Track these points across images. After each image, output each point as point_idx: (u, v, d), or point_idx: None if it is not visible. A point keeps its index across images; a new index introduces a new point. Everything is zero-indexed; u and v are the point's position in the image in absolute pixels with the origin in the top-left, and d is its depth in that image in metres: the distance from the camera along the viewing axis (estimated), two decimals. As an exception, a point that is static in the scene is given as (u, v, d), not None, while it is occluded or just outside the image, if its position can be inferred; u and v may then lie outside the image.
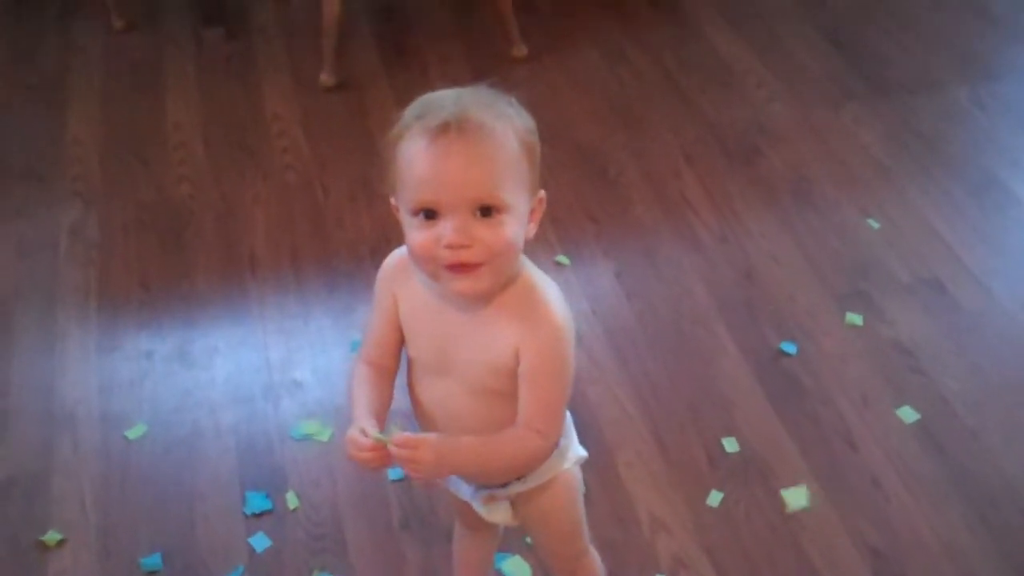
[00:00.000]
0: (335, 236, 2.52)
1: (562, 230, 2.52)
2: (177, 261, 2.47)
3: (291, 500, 1.98)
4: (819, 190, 2.62)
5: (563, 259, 2.44)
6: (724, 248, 2.48)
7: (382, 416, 1.36)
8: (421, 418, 1.42)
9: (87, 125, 2.87)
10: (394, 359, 1.40)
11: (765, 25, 3.21)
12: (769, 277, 2.40)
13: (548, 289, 1.31)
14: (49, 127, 2.87)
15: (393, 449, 1.25)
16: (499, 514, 1.48)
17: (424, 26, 3.23)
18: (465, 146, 1.18)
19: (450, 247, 1.20)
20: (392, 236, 2.49)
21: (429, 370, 1.38)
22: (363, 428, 1.30)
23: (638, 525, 1.92)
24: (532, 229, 1.27)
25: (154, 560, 1.89)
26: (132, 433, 2.10)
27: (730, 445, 2.05)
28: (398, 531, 1.93)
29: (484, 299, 1.28)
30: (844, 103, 2.90)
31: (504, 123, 1.20)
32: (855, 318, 2.29)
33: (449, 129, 1.17)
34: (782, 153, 2.74)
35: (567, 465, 1.44)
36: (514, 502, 1.46)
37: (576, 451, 1.46)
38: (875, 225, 2.51)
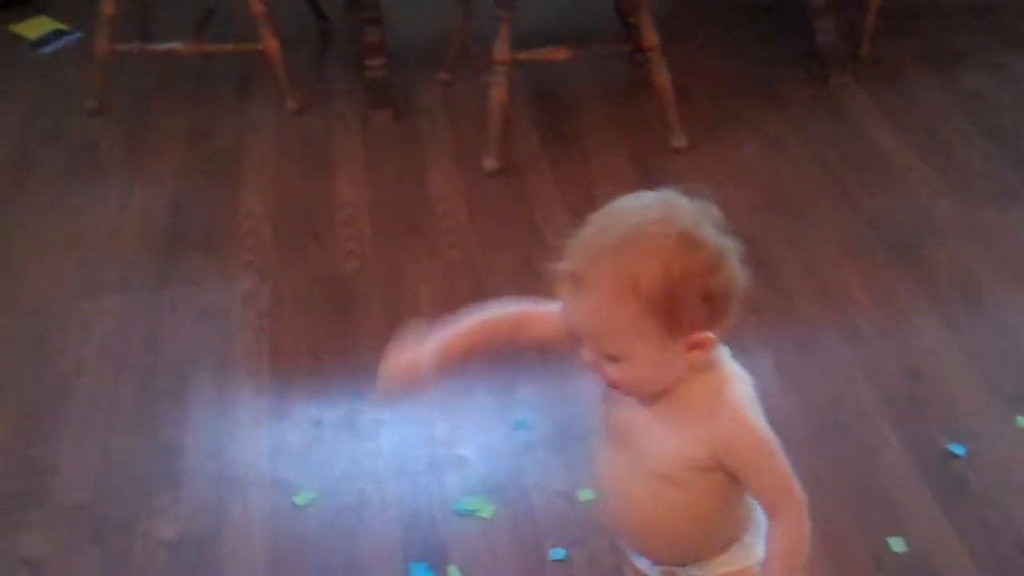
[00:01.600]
0: (497, 315, 2.57)
1: (722, 319, 2.52)
2: (345, 332, 2.55)
3: (453, 574, 2.00)
4: (986, 289, 2.59)
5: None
6: (886, 343, 2.46)
7: (451, 356, 1.46)
8: (595, 486, 1.49)
9: (260, 199, 2.99)
10: (521, 330, 1.48)
11: (926, 122, 3.19)
12: (934, 375, 2.37)
13: (734, 388, 1.33)
14: (224, 200, 3.00)
15: None
16: None
17: (585, 114, 3.30)
18: (579, 303, 1.25)
19: None
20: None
21: (609, 444, 1.43)
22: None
23: (802, 621, 1.90)
24: (698, 356, 1.29)
25: (320, 626, 1.93)
26: (300, 499, 2.16)
27: (897, 545, 2.01)
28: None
29: (652, 400, 1.33)
30: (1010, 203, 2.86)
31: (628, 282, 1.21)
32: (1025, 422, 2.25)
33: (570, 282, 1.25)
34: (946, 250, 2.71)
35: (749, 563, 1.44)
36: None
37: (761, 551, 1.46)
38: (1044, 326, 2.47)
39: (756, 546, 1.45)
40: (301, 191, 3.03)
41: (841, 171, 3.01)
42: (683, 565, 1.45)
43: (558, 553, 2.03)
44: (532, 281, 2.65)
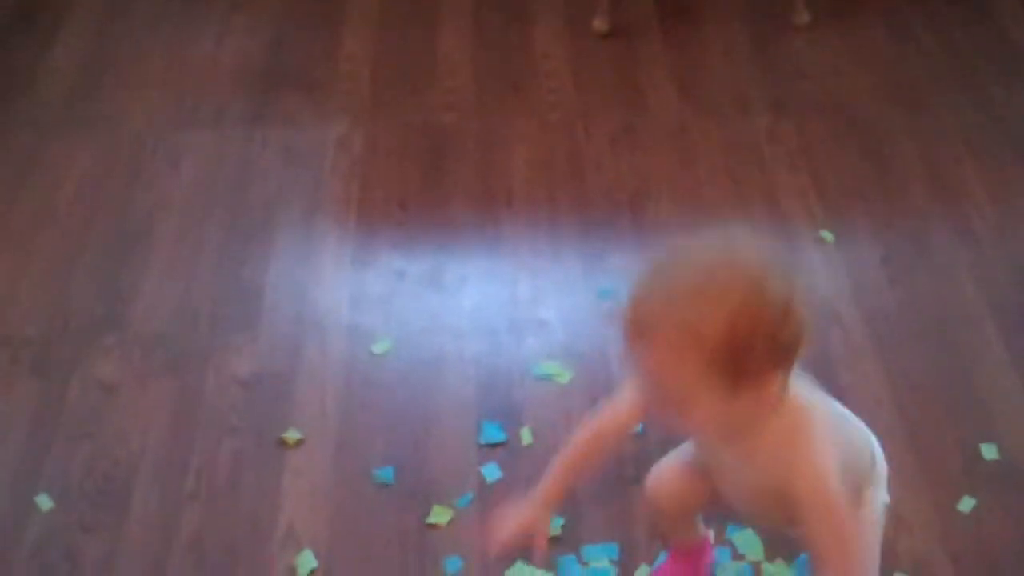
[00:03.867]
0: (593, 180, 2.48)
1: (829, 205, 2.41)
2: (436, 186, 2.49)
3: (525, 436, 1.96)
4: (1114, 198, 2.43)
5: (827, 235, 2.33)
6: (1002, 244, 2.32)
7: (561, 495, 1.46)
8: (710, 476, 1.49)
9: (361, 43, 2.92)
10: (610, 438, 1.46)
11: (1069, 17, 2.99)
12: (1048, 283, 2.24)
13: (813, 430, 1.29)
14: (325, 42, 2.93)
15: None
16: None
17: (704, -19, 3.15)
18: (643, 353, 1.21)
19: None
20: (651, 189, 2.45)
21: (705, 452, 1.46)
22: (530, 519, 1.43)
23: (881, 519, 1.83)
24: (768, 400, 1.23)
25: (386, 473, 1.91)
26: (378, 348, 2.13)
27: (989, 452, 1.92)
28: (629, 485, 1.89)
29: (731, 440, 1.32)
30: None
31: (692, 337, 1.15)
32: None
33: (628, 331, 1.21)
34: (1076, 152, 2.55)
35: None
36: None
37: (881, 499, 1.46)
38: None
39: (877, 499, 1.46)
40: (404, 38, 2.94)
41: (972, 62, 2.83)
42: None
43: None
44: (632, 148, 2.58)
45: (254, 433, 1.98)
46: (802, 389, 1.31)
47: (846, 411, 1.46)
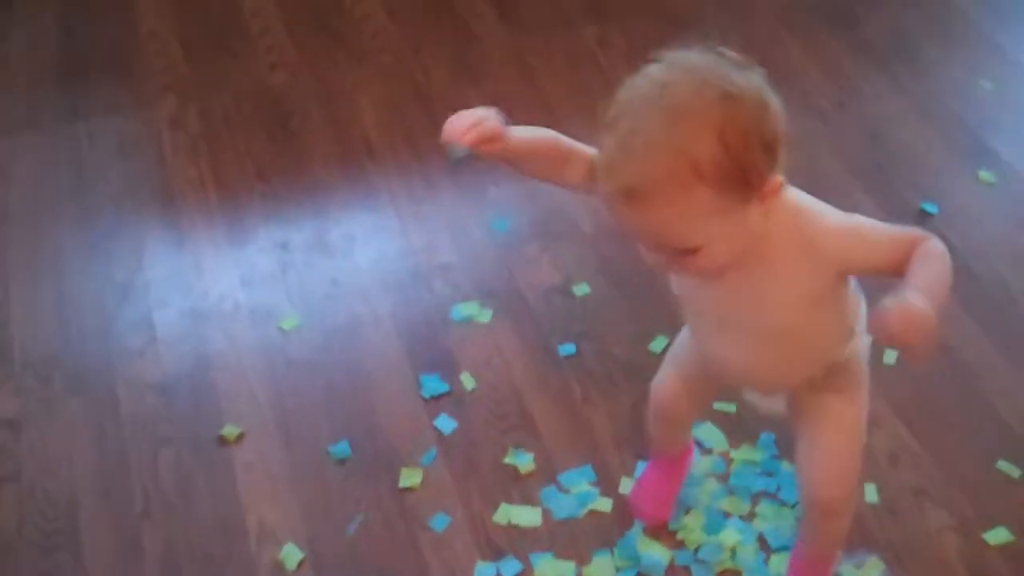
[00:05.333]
0: (446, 116, 2.44)
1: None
2: (289, 149, 2.40)
3: (467, 381, 1.95)
4: (925, 53, 2.60)
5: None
6: (843, 113, 2.46)
7: (513, 143, 1.31)
8: (711, 366, 1.44)
9: (160, 17, 2.76)
10: (567, 165, 1.34)
11: None
12: (894, 139, 2.38)
13: (812, 213, 1.26)
14: (119, 20, 2.75)
15: (894, 322, 1.10)
16: (773, 403, 1.47)
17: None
18: (642, 215, 1.15)
19: None
20: (508, 115, 2.42)
21: (715, 327, 1.38)
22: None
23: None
24: (773, 203, 1.19)
25: (342, 448, 1.86)
26: (286, 324, 2.05)
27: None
28: (580, 404, 1.91)
29: (741, 267, 1.25)
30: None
31: (689, 171, 1.11)
32: (988, 175, 2.29)
33: (622, 198, 1.15)
34: (881, 18, 2.70)
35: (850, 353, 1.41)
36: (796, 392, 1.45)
37: (863, 340, 1.43)
38: (988, 86, 2.50)
39: (863, 336, 1.42)
40: (203, 3, 2.80)
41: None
42: None
43: (568, 349, 1.99)
44: (474, 78, 2.56)
45: (189, 437, 1.89)
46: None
47: None
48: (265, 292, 2.12)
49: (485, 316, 2.06)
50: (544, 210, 2.24)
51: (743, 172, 1.14)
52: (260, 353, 2.02)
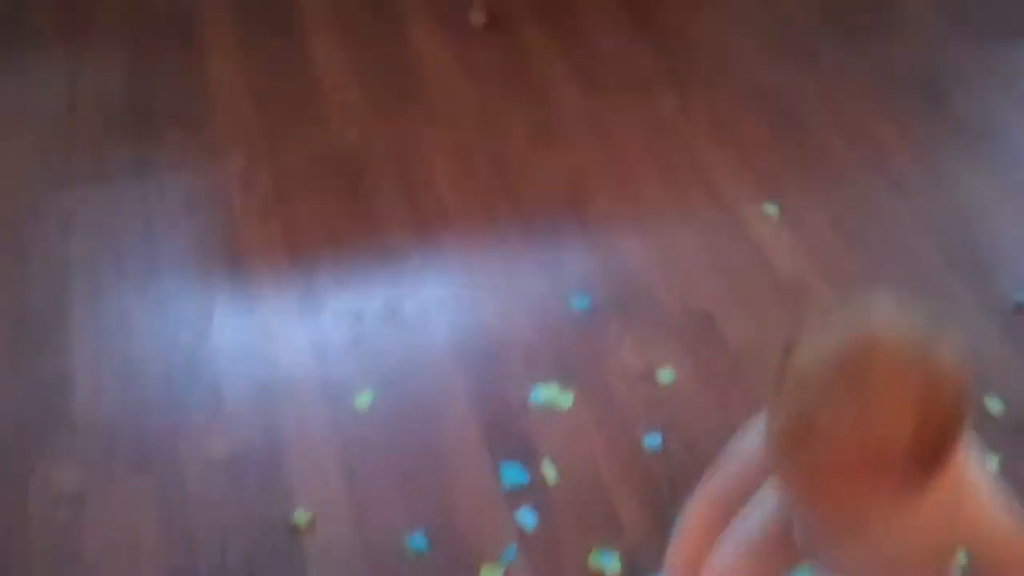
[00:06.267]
0: (523, 184, 2.38)
1: (760, 178, 2.39)
2: (363, 212, 2.33)
3: (548, 471, 1.86)
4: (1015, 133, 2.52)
5: (770, 209, 2.32)
6: (929, 191, 2.38)
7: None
8: None
9: (230, 67, 2.70)
10: (730, 514, 1.34)
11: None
12: (989, 225, 2.30)
13: (975, 491, 1.16)
14: (187, 68, 2.69)
15: None
16: None
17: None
18: (807, 496, 1.07)
19: None
20: (585, 184, 2.36)
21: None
22: None
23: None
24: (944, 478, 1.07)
25: (419, 541, 1.77)
26: (361, 401, 1.97)
27: (993, 405, 1.96)
28: (668, 502, 1.82)
29: None
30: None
31: (878, 461, 0.98)
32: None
33: (792, 479, 1.05)
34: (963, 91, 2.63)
35: None
36: None
37: None
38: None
39: None
40: (272, 54, 2.74)
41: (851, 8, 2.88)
42: None
43: (653, 440, 1.91)
44: (550, 144, 2.48)
45: (258, 522, 1.80)
46: None
47: None
48: (337, 364, 2.04)
49: (566, 400, 1.97)
50: (624, 287, 2.16)
51: (938, 457, 1.01)
52: (332, 430, 1.93)
